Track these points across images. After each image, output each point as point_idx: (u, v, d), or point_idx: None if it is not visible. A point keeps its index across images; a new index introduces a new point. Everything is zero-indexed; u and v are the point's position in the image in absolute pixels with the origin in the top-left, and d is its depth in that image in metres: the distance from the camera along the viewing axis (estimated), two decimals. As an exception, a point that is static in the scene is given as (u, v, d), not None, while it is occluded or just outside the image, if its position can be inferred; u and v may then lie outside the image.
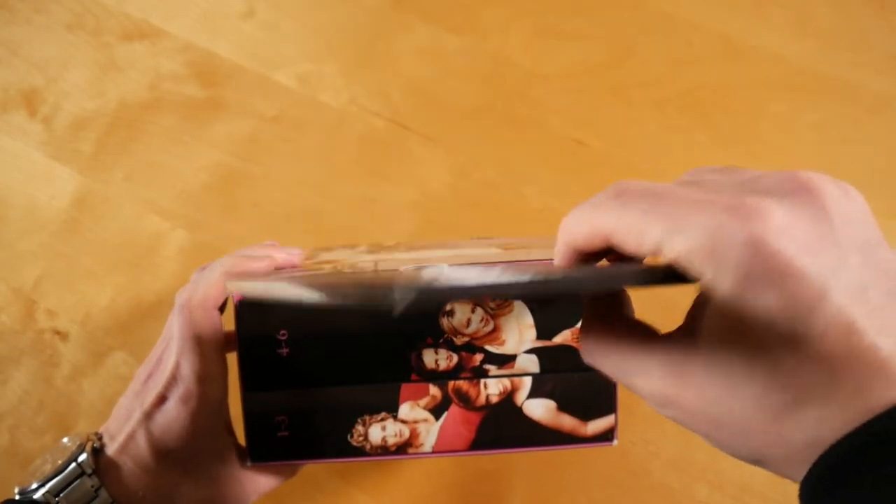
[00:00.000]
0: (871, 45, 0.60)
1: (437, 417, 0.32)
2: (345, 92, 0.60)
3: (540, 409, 0.32)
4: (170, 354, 0.33)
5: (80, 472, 0.31)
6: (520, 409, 0.32)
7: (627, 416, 0.47)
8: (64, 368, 0.50)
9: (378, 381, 0.32)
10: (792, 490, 0.47)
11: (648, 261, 0.22)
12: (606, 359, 0.24)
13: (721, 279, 0.19)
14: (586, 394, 0.32)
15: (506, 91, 0.59)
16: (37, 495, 0.30)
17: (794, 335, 0.18)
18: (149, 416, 0.32)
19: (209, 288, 0.33)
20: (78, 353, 0.51)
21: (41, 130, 0.60)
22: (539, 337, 0.32)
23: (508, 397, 0.32)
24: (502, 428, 0.32)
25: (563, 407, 0.32)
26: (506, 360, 0.32)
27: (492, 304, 0.32)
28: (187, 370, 0.32)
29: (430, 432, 0.32)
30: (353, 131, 0.58)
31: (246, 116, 0.59)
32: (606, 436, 0.33)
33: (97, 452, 0.32)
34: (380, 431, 0.32)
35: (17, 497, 0.30)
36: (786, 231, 0.18)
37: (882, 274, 0.19)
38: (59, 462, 0.31)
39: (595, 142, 0.57)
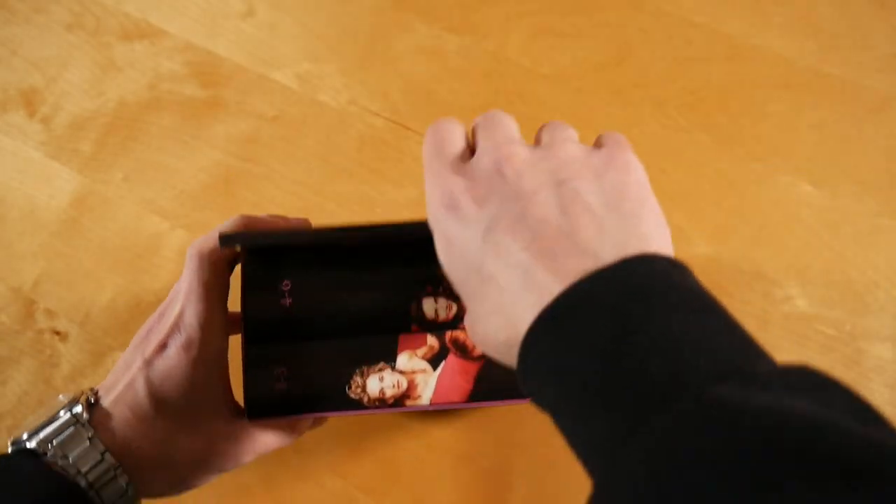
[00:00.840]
0: (871, 45, 0.60)
1: (435, 367, 0.32)
2: (345, 92, 0.60)
3: None
4: (175, 304, 0.33)
5: (74, 422, 0.30)
6: None
7: (628, 416, 0.47)
8: (63, 368, 0.50)
9: (378, 331, 0.32)
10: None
11: None
12: None
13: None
14: None
15: (506, 91, 0.59)
16: (29, 444, 0.30)
17: (469, 268, 0.25)
18: (149, 363, 0.32)
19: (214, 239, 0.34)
20: (77, 353, 0.51)
21: (40, 130, 0.60)
22: None
23: None
24: (500, 379, 0.32)
25: None
26: None
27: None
28: (191, 317, 0.32)
29: (428, 384, 0.32)
30: (353, 131, 0.58)
31: (246, 116, 0.59)
32: None
33: (92, 405, 0.32)
34: (378, 382, 0.32)
35: (9, 449, 0.30)
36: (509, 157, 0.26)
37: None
38: (52, 413, 0.31)
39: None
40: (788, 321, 0.49)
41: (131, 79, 0.62)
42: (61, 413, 0.31)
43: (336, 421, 0.48)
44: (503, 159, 0.25)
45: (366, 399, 0.32)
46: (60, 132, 0.60)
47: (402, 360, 0.32)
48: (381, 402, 0.32)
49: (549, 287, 0.22)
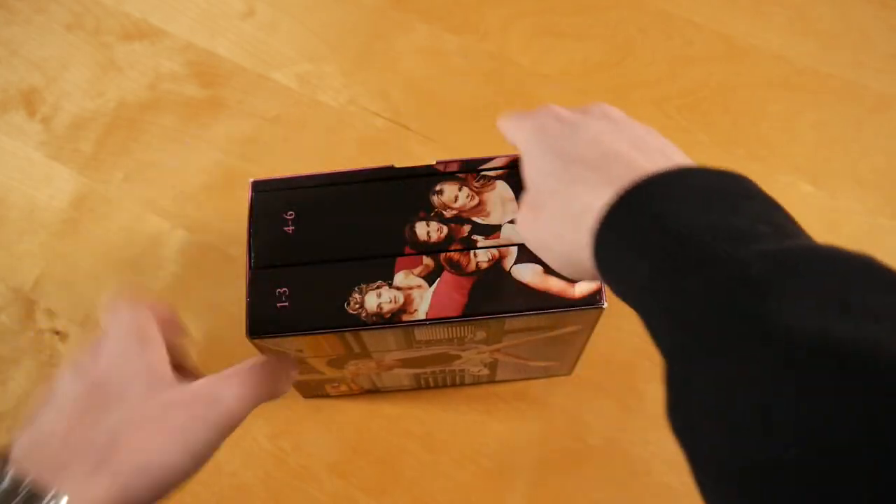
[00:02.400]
0: (871, 45, 0.60)
1: (431, 284, 0.34)
2: (344, 92, 0.60)
3: (528, 273, 0.34)
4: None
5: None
6: (508, 273, 0.34)
7: (628, 415, 0.47)
8: (64, 368, 0.50)
9: (375, 255, 0.34)
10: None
11: None
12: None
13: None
14: None
15: (506, 91, 0.59)
16: None
17: (559, 149, 0.29)
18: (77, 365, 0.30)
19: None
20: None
21: (41, 130, 0.60)
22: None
23: (497, 263, 0.34)
24: (493, 292, 0.33)
25: (549, 270, 0.33)
26: (492, 230, 0.35)
27: (476, 184, 0.36)
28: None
29: (424, 298, 0.33)
30: (353, 131, 0.58)
31: (246, 116, 0.59)
32: (595, 298, 0.34)
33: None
34: (375, 298, 0.34)
35: None
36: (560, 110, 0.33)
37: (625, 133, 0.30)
38: None
39: (595, 142, 0.57)
40: (788, 321, 0.49)
41: (131, 79, 0.62)
42: None
43: (336, 421, 0.48)
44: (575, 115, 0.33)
45: (363, 314, 0.34)
46: (60, 132, 0.60)
47: (399, 277, 0.34)
48: (378, 318, 0.33)
49: (622, 180, 0.26)
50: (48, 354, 0.51)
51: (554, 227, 0.29)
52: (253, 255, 0.36)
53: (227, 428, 0.29)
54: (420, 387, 0.48)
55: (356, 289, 0.34)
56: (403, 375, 0.44)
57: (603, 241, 0.26)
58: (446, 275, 0.34)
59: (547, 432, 0.47)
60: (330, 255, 0.35)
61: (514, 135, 0.33)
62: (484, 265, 0.34)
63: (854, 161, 0.55)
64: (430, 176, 0.36)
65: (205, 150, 0.58)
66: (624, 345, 0.49)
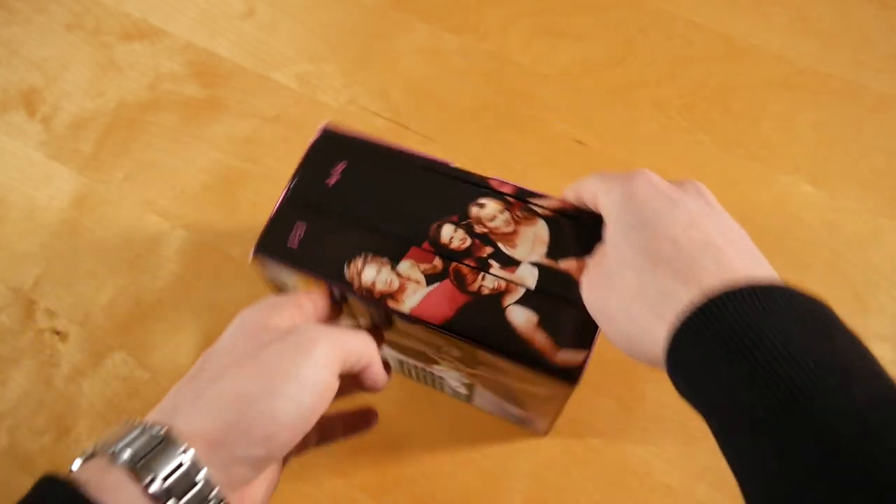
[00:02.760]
0: (871, 45, 0.60)
1: (429, 284, 0.34)
2: (344, 92, 0.60)
3: (521, 317, 0.33)
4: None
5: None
6: (503, 309, 0.33)
7: (628, 414, 0.47)
8: (63, 369, 0.50)
9: (394, 234, 0.35)
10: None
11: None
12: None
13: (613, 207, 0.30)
14: (569, 323, 0.33)
15: (506, 91, 0.59)
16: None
17: (652, 222, 0.28)
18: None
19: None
20: (77, 353, 0.51)
21: (41, 130, 0.60)
22: (548, 255, 0.34)
23: (498, 295, 0.34)
24: (479, 319, 0.33)
25: (542, 323, 0.33)
26: (510, 262, 0.34)
27: (519, 213, 0.35)
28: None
29: (416, 294, 0.34)
30: (353, 131, 0.58)
31: (246, 116, 0.59)
32: (572, 374, 0.32)
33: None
34: (373, 273, 0.34)
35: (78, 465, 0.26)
36: (654, 183, 0.30)
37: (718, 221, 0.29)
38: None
39: (595, 142, 0.57)
40: (788, 321, 0.49)
41: (131, 79, 0.62)
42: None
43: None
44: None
45: (356, 284, 0.34)
46: (60, 132, 0.60)
47: (405, 265, 0.34)
48: (367, 294, 0.34)
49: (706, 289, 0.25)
50: (48, 354, 0.51)
51: (627, 303, 0.28)
52: (290, 188, 0.37)
53: (322, 364, 0.28)
54: (407, 376, 0.48)
55: (361, 255, 0.35)
56: (390, 355, 0.44)
57: (684, 339, 0.25)
58: (447, 283, 0.34)
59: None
60: (354, 217, 0.36)
61: (603, 197, 0.31)
62: (485, 291, 0.34)
63: (854, 161, 0.55)
64: (480, 187, 0.36)
65: (205, 150, 0.58)
66: (624, 345, 0.49)
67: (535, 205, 0.36)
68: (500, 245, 0.35)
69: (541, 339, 0.33)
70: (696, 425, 0.46)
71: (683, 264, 0.26)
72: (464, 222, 0.35)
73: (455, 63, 0.61)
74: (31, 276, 0.54)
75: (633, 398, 0.47)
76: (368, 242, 0.35)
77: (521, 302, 0.33)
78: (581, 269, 0.33)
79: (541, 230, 0.35)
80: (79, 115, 0.60)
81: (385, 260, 0.35)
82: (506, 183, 0.36)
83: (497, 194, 0.36)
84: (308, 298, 0.33)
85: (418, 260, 0.35)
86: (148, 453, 0.24)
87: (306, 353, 0.27)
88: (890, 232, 0.52)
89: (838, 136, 0.56)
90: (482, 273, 0.34)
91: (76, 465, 0.26)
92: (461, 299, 0.33)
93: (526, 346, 0.32)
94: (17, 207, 0.57)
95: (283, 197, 0.37)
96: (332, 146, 0.38)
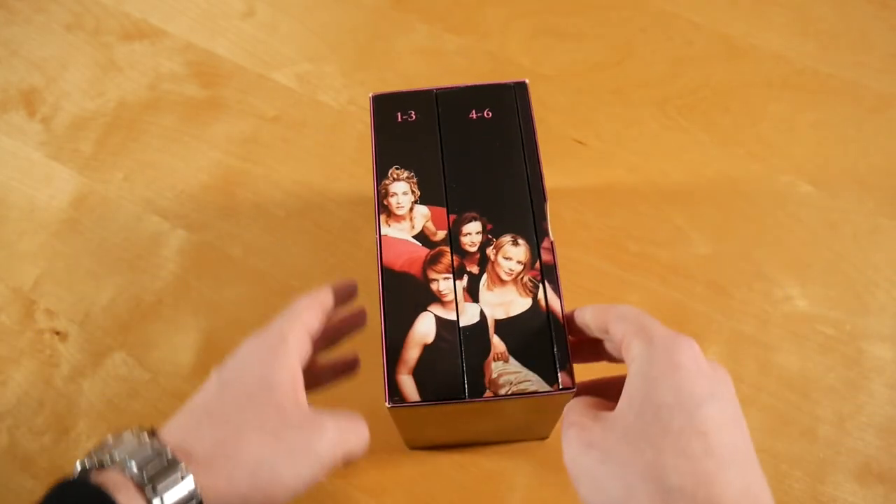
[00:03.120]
0: (871, 45, 0.60)
1: (417, 239, 0.35)
2: (344, 92, 0.60)
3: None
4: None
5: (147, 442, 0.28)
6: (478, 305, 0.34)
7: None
8: (63, 369, 0.50)
9: (449, 182, 0.37)
10: (793, 490, 0.47)
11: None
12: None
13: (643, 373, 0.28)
14: (532, 341, 0.33)
15: (506, 91, 0.59)
16: (101, 457, 0.28)
17: (689, 409, 0.26)
18: (220, 368, 0.32)
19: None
20: (77, 353, 0.51)
21: (41, 130, 0.60)
22: (497, 323, 0.33)
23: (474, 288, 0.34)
24: (433, 370, 0.33)
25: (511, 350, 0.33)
26: (474, 294, 0.34)
27: (526, 280, 0.34)
28: (281, 324, 0.33)
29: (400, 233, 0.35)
30: (353, 131, 0.58)
31: (246, 116, 0.59)
32: (568, 384, 0.32)
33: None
34: (400, 188, 0.36)
35: (77, 474, 0.28)
36: (689, 361, 0.27)
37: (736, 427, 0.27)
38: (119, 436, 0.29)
39: (595, 142, 0.57)
40: (788, 321, 0.49)
41: (131, 79, 0.62)
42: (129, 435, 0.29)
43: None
44: None
45: (386, 191, 0.36)
46: (60, 132, 0.60)
47: (422, 209, 0.36)
48: (383, 198, 0.36)
49: None
50: (48, 354, 0.51)
51: (632, 481, 0.26)
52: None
53: (327, 462, 0.31)
54: None
55: (407, 173, 0.37)
56: None
57: None
58: (417, 247, 0.35)
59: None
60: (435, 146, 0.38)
61: (640, 348, 0.28)
62: (435, 286, 0.34)
63: (854, 161, 0.55)
64: (533, 224, 0.36)
65: (205, 150, 0.58)
66: (624, 345, 0.49)
67: (539, 289, 0.34)
68: (485, 277, 0.34)
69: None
70: (696, 425, 0.46)
71: (709, 468, 0.25)
72: (488, 233, 0.35)
73: (455, 63, 0.61)
74: (31, 276, 0.54)
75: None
76: (426, 168, 0.36)
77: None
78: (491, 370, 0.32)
79: (516, 304, 0.34)
80: (79, 115, 0.60)
81: (417, 193, 0.36)
82: (550, 252, 0.35)
83: (535, 250, 0.35)
84: (312, 316, 0.34)
85: (435, 221, 0.35)
86: (168, 488, 0.27)
87: (318, 460, 0.30)
88: (890, 232, 0.52)
89: (838, 136, 0.56)
90: (453, 277, 0.34)
91: (82, 465, 0.28)
92: (417, 265, 0.34)
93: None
94: (17, 207, 0.57)
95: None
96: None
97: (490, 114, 0.38)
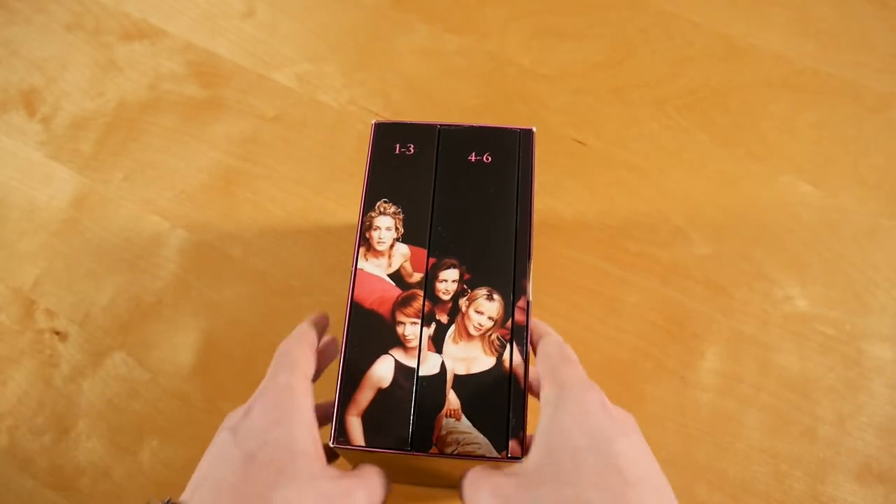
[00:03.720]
0: (871, 45, 0.60)
1: (392, 279, 0.34)
2: (344, 92, 0.60)
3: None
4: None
5: None
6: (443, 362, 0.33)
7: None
8: (63, 369, 0.50)
9: (436, 226, 0.36)
10: (793, 491, 0.47)
11: None
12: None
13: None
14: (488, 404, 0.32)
15: (506, 91, 0.59)
16: None
17: (602, 449, 0.27)
18: (235, 430, 0.30)
19: (297, 339, 0.33)
20: (77, 353, 0.51)
21: (40, 130, 0.60)
22: (456, 379, 0.33)
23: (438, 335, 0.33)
24: (381, 416, 0.32)
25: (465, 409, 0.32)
26: (438, 345, 0.33)
27: (493, 339, 0.33)
28: (279, 381, 0.30)
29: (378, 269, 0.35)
30: (353, 131, 0.58)
31: (246, 116, 0.59)
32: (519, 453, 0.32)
33: None
34: (385, 222, 0.36)
35: None
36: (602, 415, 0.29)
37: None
38: None
39: (595, 142, 0.57)
40: (788, 321, 0.49)
41: (131, 79, 0.62)
42: None
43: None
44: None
45: (368, 223, 0.36)
46: (60, 132, 0.60)
47: (402, 248, 0.35)
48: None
49: None
50: (48, 354, 0.51)
51: None
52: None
53: None
54: None
55: (394, 208, 0.36)
56: None
57: None
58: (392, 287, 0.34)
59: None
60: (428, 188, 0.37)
61: (550, 391, 0.30)
62: (401, 330, 0.33)
63: (854, 161, 0.55)
64: (513, 285, 0.34)
65: (205, 150, 0.58)
66: (624, 345, 0.49)
67: (506, 350, 0.33)
68: (453, 329, 0.33)
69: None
70: (696, 425, 0.46)
71: (630, 499, 0.26)
72: (465, 283, 0.34)
73: (455, 63, 0.61)
74: (31, 276, 0.54)
75: (632, 398, 0.47)
76: (413, 208, 0.36)
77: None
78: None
79: (479, 362, 0.33)
80: (79, 116, 0.60)
81: (400, 230, 0.35)
82: (524, 313, 0.34)
83: (510, 308, 0.34)
84: (306, 360, 0.32)
85: (414, 262, 0.34)
86: None
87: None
88: (890, 232, 0.52)
89: (838, 136, 0.56)
90: (421, 323, 0.33)
91: None
92: (387, 305, 0.34)
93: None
94: (17, 207, 0.57)
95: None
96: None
97: (490, 158, 0.37)
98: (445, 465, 0.34)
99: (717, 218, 0.53)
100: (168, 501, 0.28)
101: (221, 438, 0.29)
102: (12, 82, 0.63)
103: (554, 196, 0.54)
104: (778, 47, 0.61)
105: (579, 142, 0.57)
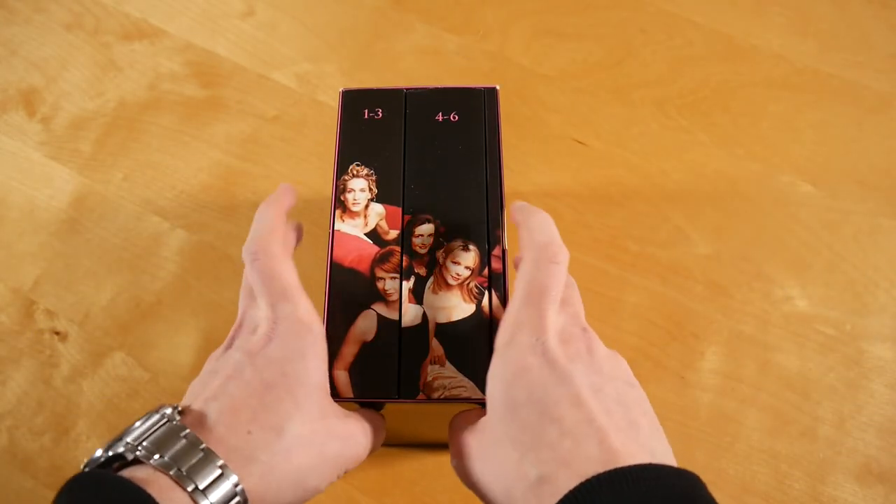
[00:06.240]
0: (871, 45, 0.60)
1: (367, 236, 0.35)
2: (345, 92, 0.60)
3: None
4: (258, 308, 0.32)
5: (165, 420, 0.27)
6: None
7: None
8: (63, 369, 0.50)
9: (407, 183, 0.37)
10: (793, 491, 0.47)
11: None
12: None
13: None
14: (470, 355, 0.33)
15: (506, 91, 0.59)
16: (117, 450, 0.26)
17: (540, 400, 0.27)
18: (253, 354, 0.30)
19: (268, 231, 0.34)
20: (77, 353, 0.51)
21: (40, 130, 0.60)
22: (438, 326, 0.33)
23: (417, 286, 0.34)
24: (371, 369, 0.33)
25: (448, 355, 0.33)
26: (418, 296, 0.34)
27: (472, 287, 0.34)
28: (303, 310, 0.31)
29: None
30: (353, 131, 0.58)
31: (246, 116, 0.59)
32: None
33: (181, 412, 0.28)
34: (358, 184, 0.36)
35: (91, 463, 0.27)
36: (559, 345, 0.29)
37: (616, 389, 0.28)
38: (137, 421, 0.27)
39: (595, 142, 0.57)
40: (788, 321, 0.49)
41: (131, 79, 0.62)
42: (149, 416, 0.27)
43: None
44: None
45: (342, 186, 0.36)
46: (60, 132, 0.60)
47: (377, 206, 0.36)
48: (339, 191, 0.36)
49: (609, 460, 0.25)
50: (48, 354, 0.51)
51: (506, 483, 0.27)
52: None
53: (350, 469, 0.31)
54: None
55: (368, 169, 0.37)
56: None
57: None
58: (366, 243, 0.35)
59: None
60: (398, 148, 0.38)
61: (495, 366, 0.29)
62: (381, 284, 0.34)
63: (854, 161, 0.55)
64: (487, 234, 0.35)
65: (205, 150, 0.58)
66: (624, 344, 0.49)
67: (485, 296, 0.34)
68: (432, 280, 0.34)
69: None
70: (697, 425, 0.46)
71: (566, 448, 0.25)
72: (440, 236, 0.35)
73: (455, 63, 0.61)
74: (31, 276, 0.54)
75: (633, 398, 0.47)
76: (386, 167, 0.36)
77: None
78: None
79: (459, 309, 0.33)
80: (78, 116, 0.60)
81: (374, 191, 0.36)
82: (500, 261, 0.35)
83: (486, 257, 0.34)
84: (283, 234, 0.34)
85: (389, 220, 0.35)
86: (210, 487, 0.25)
87: (345, 467, 0.31)
88: (890, 232, 0.52)
89: (838, 136, 0.56)
90: (400, 277, 0.34)
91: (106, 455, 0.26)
92: (366, 262, 0.34)
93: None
94: (16, 207, 0.57)
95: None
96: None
97: (457, 117, 0.38)
98: (435, 415, 0.35)
99: (717, 218, 0.53)
100: (180, 409, 0.28)
101: (237, 359, 0.30)
102: (12, 82, 0.63)
103: (554, 196, 0.54)
104: (778, 47, 0.61)
105: (579, 142, 0.57)
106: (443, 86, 0.39)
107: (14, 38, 0.65)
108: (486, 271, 0.34)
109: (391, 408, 0.33)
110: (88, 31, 0.65)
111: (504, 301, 0.33)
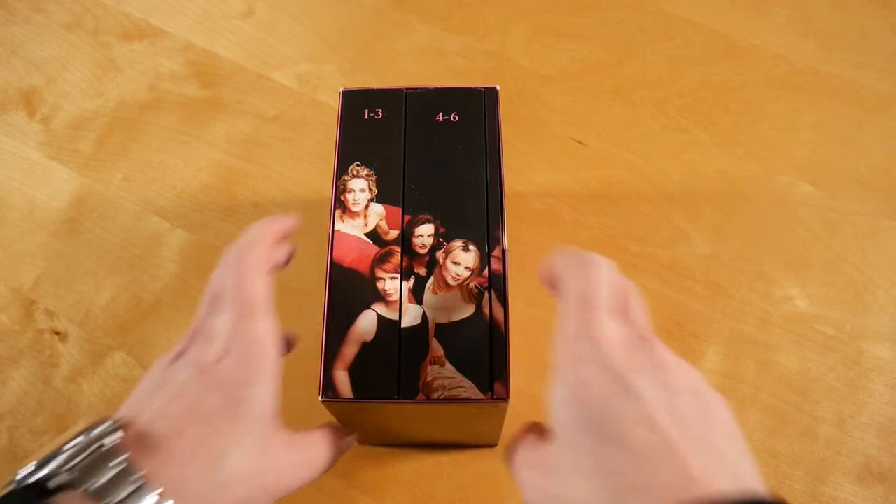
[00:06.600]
0: (871, 45, 0.60)
1: (368, 237, 0.35)
2: (345, 92, 0.60)
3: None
4: (219, 317, 0.31)
5: (104, 437, 0.25)
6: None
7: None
8: (63, 369, 0.50)
9: (410, 181, 0.37)
10: (793, 491, 0.47)
11: None
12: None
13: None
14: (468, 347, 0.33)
15: (506, 91, 0.59)
16: (38, 475, 0.24)
17: (604, 418, 0.24)
18: (203, 371, 0.29)
19: (252, 243, 0.33)
20: (77, 353, 0.51)
21: (40, 130, 0.60)
22: (437, 327, 0.33)
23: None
24: (370, 368, 0.33)
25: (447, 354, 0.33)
26: (419, 296, 0.34)
27: (471, 287, 0.34)
28: (251, 329, 0.30)
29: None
30: (353, 131, 0.58)
31: (246, 116, 0.59)
32: (503, 395, 0.32)
33: (116, 429, 0.26)
34: (358, 185, 0.36)
35: (9, 486, 0.25)
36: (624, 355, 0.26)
37: (692, 405, 0.26)
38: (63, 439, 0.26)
39: (595, 142, 0.57)
40: (788, 321, 0.49)
41: (131, 79, 0.62)
42: (76, 435, 0.26)
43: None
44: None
45: (342, 187, 0.37)
46: (60, 132, 0.60)
47: (377, 207, 0.36)
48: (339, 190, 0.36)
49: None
50: (48, 354, 0.51)
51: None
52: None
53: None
54: None
55: (369, 170, 0.37)
56: None
57: None
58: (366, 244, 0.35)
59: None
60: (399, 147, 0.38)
61: (555, 384, 0.26)
62: (381, 285, 0.34)
63: (854, 161, 0.55)
64: (487, 238, 0.35)
65: (205, 150, 0.58)
66: (624, 345, 0.49)
67: (485, 297, 0.34)
68: (432, 280, 0.34)
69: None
70: (697, 425, 0.46)
71: (637, 477, 0.23)
72: (440, 237, 0.35)
73: (455, 63, 0.61)
74: (31, 276, 0.54)
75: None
76: (387, 168, 0.36)
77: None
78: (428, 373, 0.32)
79: (459, 310, 0.33)
80: (78, 116, 0.60)
81: (374, 191, 0.36)
82: (500, 262, 0.34)
83: (485, 258, 0.34)
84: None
85: (389, 220, 0.35)
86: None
87: (292, 490, 0.30)
88: (890, 232, 0.52)
89: (838, 136, 0.56)
90: (400, 277, 0.34)
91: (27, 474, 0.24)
92: (366, 262, 0.34)
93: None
94: (17, 207, 0.57)
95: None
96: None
97: (457, 117, 0.38)
98: (435, 416, 0.35)
99: (717, 218, 0.53)
100: (119, 425, 0.26)
101: (185, 376, 0.29)
102: (12, 82, 0.63)
103: (554, 196, 0.54)
104: (778, 47, 0.61)
105: (579, 142, 0.57)
106: (443, 86, 0.39)
107: (14, 38, 0.65)
108: (485, 272, 0.34)
109: (391, 408, 0.33)
110: (88, 31, 0.65)
111: (504, 301, 0.33)
